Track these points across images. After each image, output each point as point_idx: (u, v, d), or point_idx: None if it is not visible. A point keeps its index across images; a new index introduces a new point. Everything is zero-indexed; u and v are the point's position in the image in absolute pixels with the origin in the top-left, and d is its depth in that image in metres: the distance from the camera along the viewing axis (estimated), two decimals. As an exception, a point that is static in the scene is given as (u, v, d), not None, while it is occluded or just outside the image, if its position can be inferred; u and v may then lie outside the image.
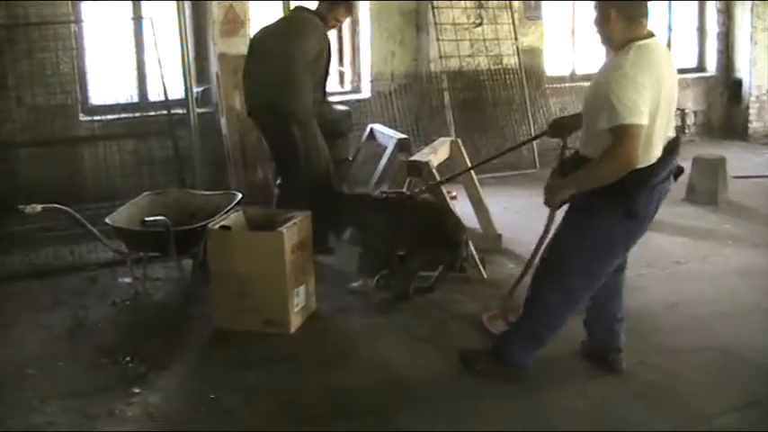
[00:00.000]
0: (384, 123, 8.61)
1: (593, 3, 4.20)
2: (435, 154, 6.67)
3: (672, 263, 6.61)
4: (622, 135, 3.89)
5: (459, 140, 7.28)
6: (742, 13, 12.34)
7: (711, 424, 4.18)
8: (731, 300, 5.80)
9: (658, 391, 4.49)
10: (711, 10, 12.47)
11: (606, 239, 4.25)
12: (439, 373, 4.74)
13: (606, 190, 4.02)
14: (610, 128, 3.92)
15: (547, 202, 4.30)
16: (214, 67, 8.56)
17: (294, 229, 5.26)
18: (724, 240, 7.22)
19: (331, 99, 8.64)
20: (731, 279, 6.19)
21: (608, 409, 4.32)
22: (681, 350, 4.99)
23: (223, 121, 8.43)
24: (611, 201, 4.07)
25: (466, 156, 7.07)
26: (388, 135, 7.51)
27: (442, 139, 7.46)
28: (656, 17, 11.86)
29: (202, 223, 5.58)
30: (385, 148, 7.26)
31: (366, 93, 9.68)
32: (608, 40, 4.18)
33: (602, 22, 4.14)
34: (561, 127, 4.79)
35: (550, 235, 4.53)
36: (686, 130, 12.30)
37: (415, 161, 6.41)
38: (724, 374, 4.71)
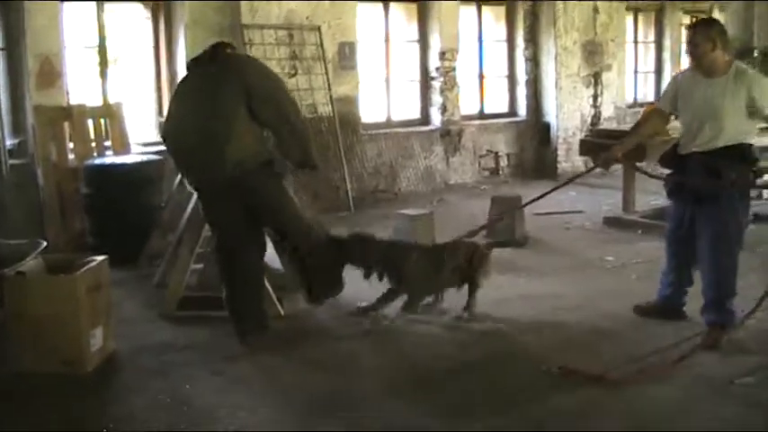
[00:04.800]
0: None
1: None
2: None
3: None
4: None
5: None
6: (547, 61, 13.29)
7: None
8: (511, 320, 6.46)
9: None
10: (520, 58, 13.34)
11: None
12: (232, 405, 4.98)
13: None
14: None
15: None
16: (30, 118, 8.67)
17: (89, 272, 5.52)
18: (518, 272, 7.81)
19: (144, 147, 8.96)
20: (515, 304, 6.80)
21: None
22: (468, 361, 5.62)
23: (39, 171, 8.56)
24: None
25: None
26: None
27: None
28: (467, 65, 12.60)
29: (-3, 272, 5.74)
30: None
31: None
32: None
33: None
34: (613, 161, 6.38)
35: None
36: (500, 172, 13.04)
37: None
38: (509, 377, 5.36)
